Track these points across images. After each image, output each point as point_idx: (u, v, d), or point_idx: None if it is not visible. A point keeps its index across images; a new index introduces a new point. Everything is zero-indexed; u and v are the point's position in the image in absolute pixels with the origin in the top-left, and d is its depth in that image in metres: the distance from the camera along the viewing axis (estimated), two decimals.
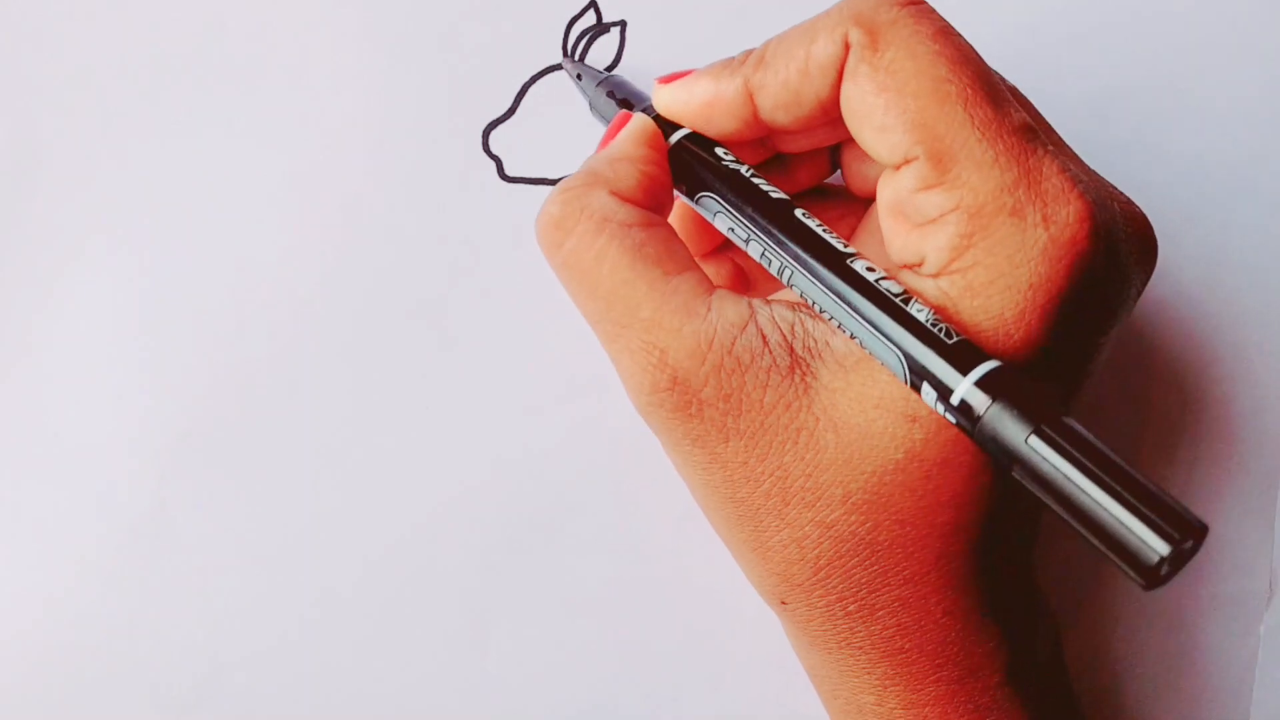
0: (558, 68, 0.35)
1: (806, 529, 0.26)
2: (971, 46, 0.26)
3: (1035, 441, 0.22)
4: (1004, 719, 0.27)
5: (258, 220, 0.35)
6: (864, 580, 0.26)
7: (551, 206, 0.28)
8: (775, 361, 0.26)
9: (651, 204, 0.28)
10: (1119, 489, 0.22)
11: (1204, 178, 0.36)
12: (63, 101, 0.35)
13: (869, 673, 0.27)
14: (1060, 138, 0.28)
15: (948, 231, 0.25)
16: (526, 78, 0.35)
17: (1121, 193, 0.28)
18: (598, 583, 0.34)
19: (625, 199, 0.28)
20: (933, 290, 0.25)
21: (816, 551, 0.26)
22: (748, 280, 0.32)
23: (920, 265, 0.26)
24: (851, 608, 0.26)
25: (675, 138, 0.29)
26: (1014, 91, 0.28)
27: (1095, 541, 0.22)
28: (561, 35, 0.35)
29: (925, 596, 0.26)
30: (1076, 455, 0.22)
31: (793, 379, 0.26)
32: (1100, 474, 0.22)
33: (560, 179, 0.35)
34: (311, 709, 0.34)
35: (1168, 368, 0.35)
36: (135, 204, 0.35)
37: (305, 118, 0.35)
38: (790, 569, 0.26)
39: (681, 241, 0.28)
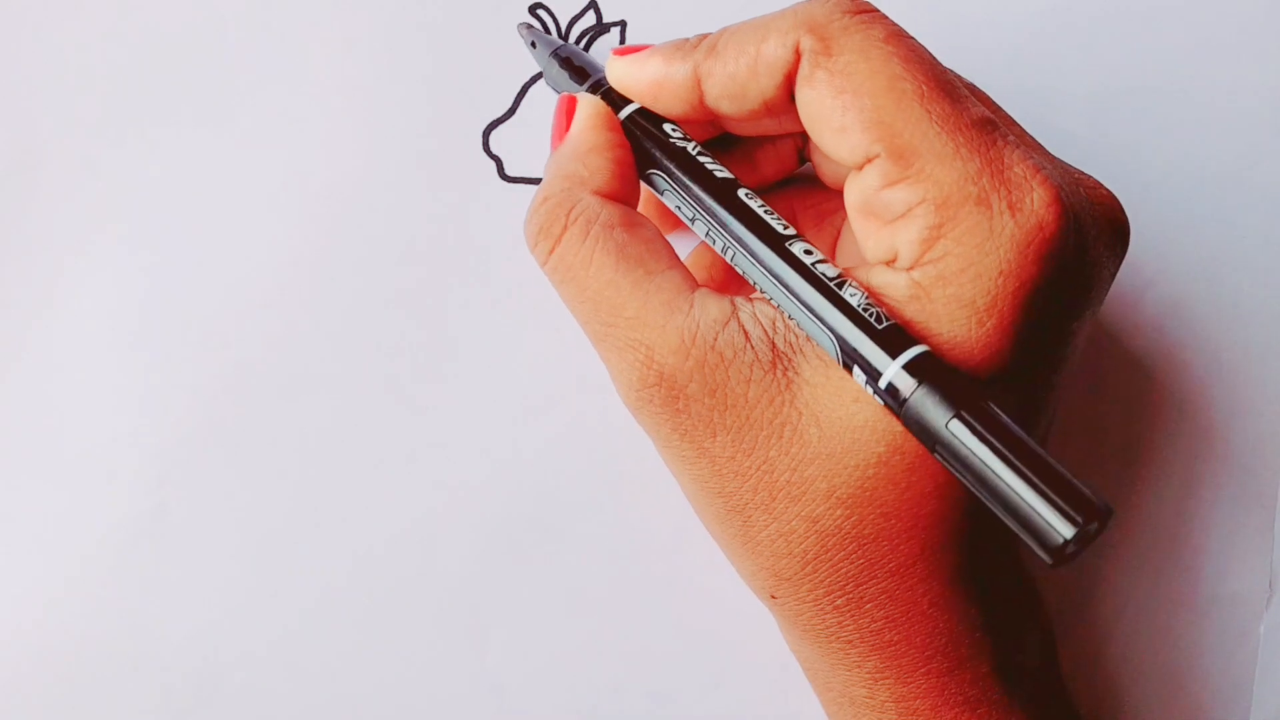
0: None
1: (793, 523, 0.26)
2: (924, 47, 0.27)
3: (955, 425, 0.23)
4: (994, 710, 0.28)
5: (257, 221, 0.35)
6: (851, 573, 0.26)
7: (536, 217, 0.28)
8: (758, 356, 0.26)
9: (626, 188, 0.29)
10: (1029, 473, 0.23)
11: (1203, 178, 0.36)
12: (63, 101, 0.35)
13: (859, 666, 0.27)
14: (1023, 130, 0.28)
15: (916, 225, 0.25)
16: (526, 78, 0.35)
17: (1090, 177, 0.28)
18: (597, 583, 0.34)
19: (606, 196, 0.28)
20: (906, 283, 0.25)
21: (803, 545, 0.26)
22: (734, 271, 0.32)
23: (894, 261, 0.26)
24: (839, 601, 0.27)
25: (626, 112, 0.30)
26: (971, 87, 0.28)
27: (1009, 521, 0.23)
28: (560, 36, 0.35)
29: (912, 588, 0.26)
30: (992, 440, 0.23)
31: (775, 374, 0.26)
32: (1013, 458, 0.23)
33: None
34: (311, 709, 0.34)
35: (1168, 367, 0.35)
36: (135, 204, 0.35)
37: (305, 118, 0.35)
38: (778, 563, 0.27)
39: (665, 240, 0.28)
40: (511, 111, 0.35)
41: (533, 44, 0.34)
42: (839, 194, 0.31)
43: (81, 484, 0.34)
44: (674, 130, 0.29)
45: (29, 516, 0.34)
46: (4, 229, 0.35)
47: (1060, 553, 0.22)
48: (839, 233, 0.32)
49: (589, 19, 0.35)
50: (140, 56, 0.35)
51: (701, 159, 0.28)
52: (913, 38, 0.27)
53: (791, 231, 0.27)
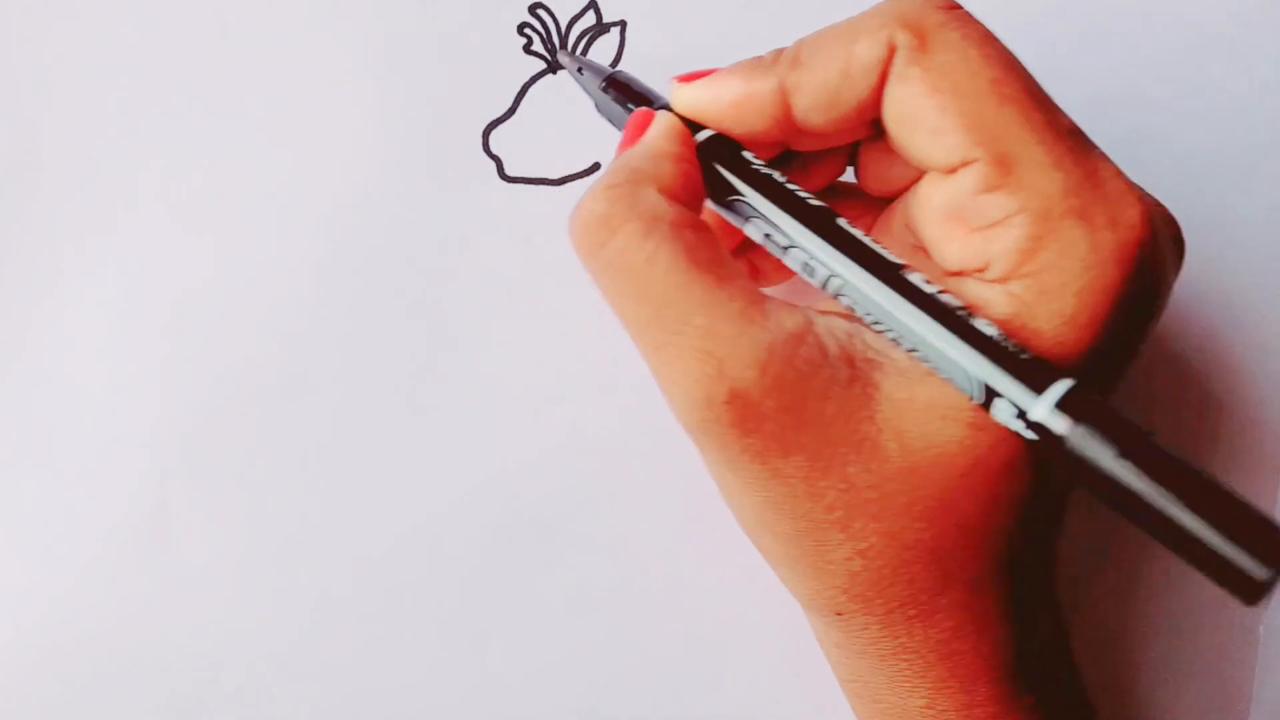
0: (557, 68, 0.35)
1: (872, 539, 0.25)
2: (1013, 53, 0.26)
3: (1126, 466, 0.22)
4: (1041, 716, 0.27)
5: (257, 221, 0.35)
6: (927, 585, 0.26)
7: (595, 203, 0.26)
8: (835, 373, 0.25)
9: (694, 201, 0.27)
10: (1214, 512, 0.21)
11: (1204, 177, 0.36)
12: (63, 101, 0.35)
13: (923, 676, 0.27)
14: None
15: (1014, 235, 0.25)
16: (526, 78, 0.35)
17: (1151, 195, 0.28)
18: (597, 583, 0.34)
19: (673, 197, 0.26)
20: (1001, 295, 0.25)
21: (880, 561, 0.26)
22: (762, 281, 0.32)
23: (984, 270, 0.25)
24: (911, 613, 0.26)
25: (701, 137, 0.28)
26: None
27: (1193, 564, 0.22)
28: (560, 35, 0.35)
29: (983, 598, 0.26)
30: (1169, 478, 0.22)
31: (853, 390, 0.25)
32: (1194, 496, 0.22)
33: (561, 179, 0.35)
34: (312, 709, 0.34)
35: (1167, 368, 0.35)
36: (135, 204, 0.35)
37: (305, 119, 0.35)
38: (853, 582, 0.26)
39: (726, 248, 0.27)
40: (511, 111, 0.35)
41: (579, 70, 0.33)
42: (871, 203, 0.31)
43: (82, 484, 0.34)
44: (753, 157, 0.28)
45: (30, 516, 0.34)
46: (4, 229, 0.35)
47: (1259, 594, 0.21)
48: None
49: (589, 19, 0.36)
50: (141, 58, 0.35)
51: (790, 187, 0.27)
52: (1002, 41, 0.26)
53: (902, 261, 0.26)
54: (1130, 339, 0.26)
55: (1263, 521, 0.21)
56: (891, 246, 0.29)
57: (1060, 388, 0.24)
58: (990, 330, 0.24)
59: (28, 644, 0.34)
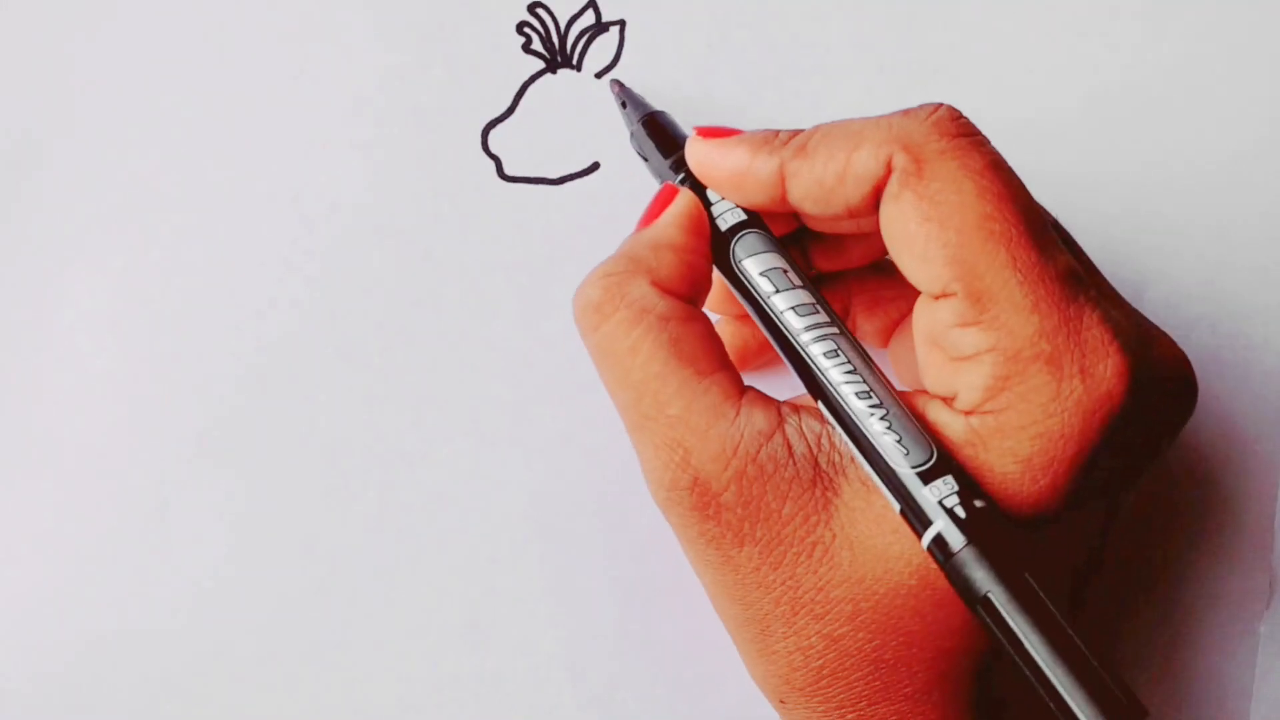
0: (556, 68, 0.35)
1: (812, 639, 0.26)
2: (1021, 182, 0.26)
3: (997, 595, 0.24)
4: None
5: (256, 220, 0.35)
6: (864, 692, 0.26)
7: (591, 290, 0.27)
8: (798, 473, 0.26)
9: (690, 293, 0.28)
10: (1070, 661, 0.23)
11: (1204, 175, 0.36)
12: (63, 101, 0.35)
13: None
14: (1102, 276, 0.28)
15: (982, 372, 0.25)
16: (526, 78, 0.35)
17: (1164, 334, 0.28)
18: (597, 582, 0.34)
19: (665, 290, 0.27)
20: (963, 428, 0.25)
21: (820, 661, 0.26)
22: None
23: (953, 400, 0.26)
24: (850, 716, 0.26)
25: (722, 223, 0.29)
26: (1057, 225, 0.28)
27: (1043, 693, 0.23)
28: (559, 35, 0.36)
29: (925, 713, 0.26)
30: (1032, 615, 0.23)
31: (813, 493, 0.26)
32: (1055, 640, 0.23)
33: (559, 178, 0.35)
34: (312, 709, 0.34)
35: None
36: (135, 204, 0.35)
37: (305, 118, 0.35)
38: (793, 674, 0.26)
39: (718, 339, 0.28)
40: (511, 111, 0.35)
41: (623, 104, 0.33)
42: (900, 284, 0.30)
43: (82, 484, 0.34)
44: (764, 245, 0.28)
45: (30, 516, 0.34)
46: (4, 229, 0.35)
47: None
48: (894, 324, 0.32)
49: (589, 18, 0.36)
50: (140, 58, 0.35)
51: (767, 291, 0.27)
52: (1010, 170, 0.26)
53: (850, 377, 0.26)
54: (1108, 490, 0.26)
55: (1112, 684, 0.23)
56: (909, 336, 0.29)
57: (962, 508, 0.24)
58: (903, 466, 0.25)
59: (28, 644, 0.34)
